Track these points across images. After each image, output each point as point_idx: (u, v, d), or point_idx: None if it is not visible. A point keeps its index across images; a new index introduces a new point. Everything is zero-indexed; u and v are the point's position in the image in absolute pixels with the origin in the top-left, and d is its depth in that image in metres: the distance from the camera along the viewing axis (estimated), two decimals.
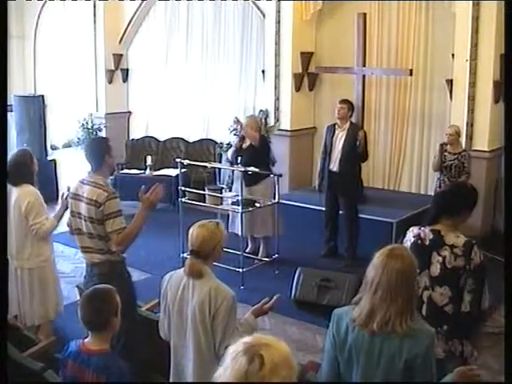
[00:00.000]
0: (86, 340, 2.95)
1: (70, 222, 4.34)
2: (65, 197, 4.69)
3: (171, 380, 3.35)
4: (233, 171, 7.18)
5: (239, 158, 6.89)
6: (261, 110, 9.04)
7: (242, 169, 6.80)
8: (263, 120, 8.82)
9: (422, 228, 3.58)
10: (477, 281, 3.43)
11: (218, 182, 9.19)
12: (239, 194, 6.66)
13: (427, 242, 3.53)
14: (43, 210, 4.82)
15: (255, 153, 7.00)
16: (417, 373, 2.51)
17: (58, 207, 4.87)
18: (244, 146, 7.13)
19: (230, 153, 7.34)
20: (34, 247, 4.83)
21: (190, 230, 3.22)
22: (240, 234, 6.71)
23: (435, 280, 3.49)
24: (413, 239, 3.58)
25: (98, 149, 4.21)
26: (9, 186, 4.74)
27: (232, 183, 9.07)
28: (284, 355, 1.71)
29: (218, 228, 3.23)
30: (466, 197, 3.63)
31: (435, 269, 3.48)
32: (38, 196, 4.81)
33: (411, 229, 3.65)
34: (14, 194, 4.78)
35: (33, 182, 4.87)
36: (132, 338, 4.05)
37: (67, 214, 4.49)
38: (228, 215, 7.11)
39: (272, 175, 6.97)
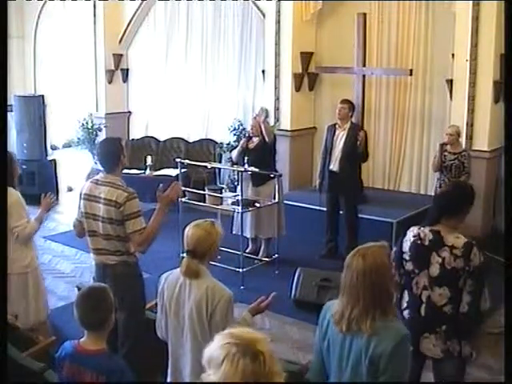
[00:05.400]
0: (82, 340, 2.92)
1: (77, 224, 4.27)
2: (49, 199, 4.62)
3: (169, 380, 3.35)
4: (238, 172, 7.16)
5: (245, 158, 6.89)
6: (266, 110, 8.97)
7: (242, 169, 6.80)
8: (265, 118, 8.81)
9: (422, 228, 3.58)
10: (476, 282, 3.43)
11: (218, 182, 9.20)
12: (244, 194, 6.65)
13: (426, 243, 3.53)
14: (24, 212, 4.65)
15: (262, 152, 6.99)
16: (382, 370, 2.52)
17: (39, 209, 4.73)
18: (251, 146, 7.12)
19: (234, 153, 7.29)
20: (13, 252, 4.57)
21: (186, 230, 3.22)
22: (241, 233, 6.71)
23: (434, 280, 3.49)
24: (412, 239, 3.58)
25: (113, 149, 4.15)
26: None
27: (232, 183, 9.07)
28: (268, 344, 1.75)
29: (214, 227, 3.22)
30: (465, 196, 3.64)
31: (434, 269, 3.48)
32: (18, 198, 4.63)
33: (411, 228, 3.65)
34: None
35: (14, 185, 4.68)
36: (139, 339, 4.05)
37: (73, 215, 4.41)
38: (232, 217, 7.11)
39: (272, 175, 6.97)
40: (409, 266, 3.57)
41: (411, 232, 3.62)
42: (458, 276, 3.43)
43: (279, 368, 1.71)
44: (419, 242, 3.54)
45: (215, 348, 1.71)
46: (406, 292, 3.63)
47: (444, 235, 3.49)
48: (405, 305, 3.63)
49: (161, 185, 4.10)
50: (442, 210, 3.56)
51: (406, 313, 3.62)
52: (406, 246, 3.59)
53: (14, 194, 4.64)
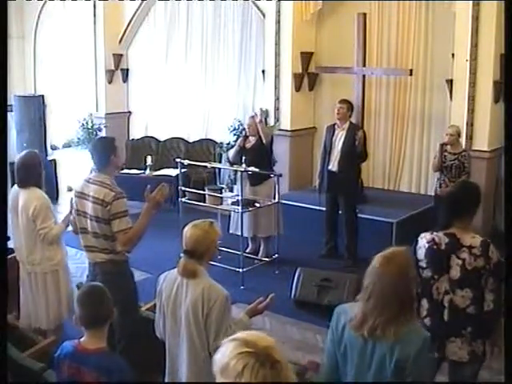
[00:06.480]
0: (82, 339, 2.94)
1: (73, 221, 4.33)
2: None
3: (166, 379, 3.36)
4: (235, 171, 7.17)
5: (243, 158, 6.88)
6: (265, 111, 8.96)
7: (242, 169, 6.80)
8: (263, 119, 8.80)
9: (435, 233, 3.55)
10: (497, 279, 3.44)
11: (218, 182, 9.19)
12: (242, 193, 6.66)
13: (443, 247, 3.50)
14: (51, 213, 4.73)
15: (259, 152, 6.99)
16: (408, 373, 2.52)
17: (67, 213, 4.77)
18: (248, 145, 7.12)
19: (231, 153, 7.29)
20: (44, 251, 4.73)
21: (184, 230, 3.22)
22: (241, 234, 6.71)
23: (456, 283, 3.48)
24: (427, 245, 3.54)
25: (104, 148, 4.19)
26: (17, 189, 4.74)
27: (232, 183, 9.07)
28: (280, 349, 1.75)
29: (212, 227, 3.22)
30: (475, 196, 3.65)
31: (455, 272, 3.47)
32: (45, 200, 4.72)
33: (422, 235, 3.61)
34: (22, 197, 4.70)
35: (41, 186, 4.79)
36: (133, 337, 4.05)
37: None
38: (229, 216, 7.11)
39: (272, 175, 6.97)
40: (426, 273, 3.54)
41: (423, 239, 3.58)
42: (479, 275, 3.44)
43: (293, 373, 1.73)
44: (435, 247, 3.51)
45: (230, 357, 1.65)
46: (424, 300, 3.59)
47: (460, 237, 3.48)
48: (424, 313, 3.59)
49: (148, 186, 4.09)
50: (454, 211, 3.54)
51: (426, 320, 3.58)
52: (422, 252, 3.55)
53: (40, 197, 4.74)
